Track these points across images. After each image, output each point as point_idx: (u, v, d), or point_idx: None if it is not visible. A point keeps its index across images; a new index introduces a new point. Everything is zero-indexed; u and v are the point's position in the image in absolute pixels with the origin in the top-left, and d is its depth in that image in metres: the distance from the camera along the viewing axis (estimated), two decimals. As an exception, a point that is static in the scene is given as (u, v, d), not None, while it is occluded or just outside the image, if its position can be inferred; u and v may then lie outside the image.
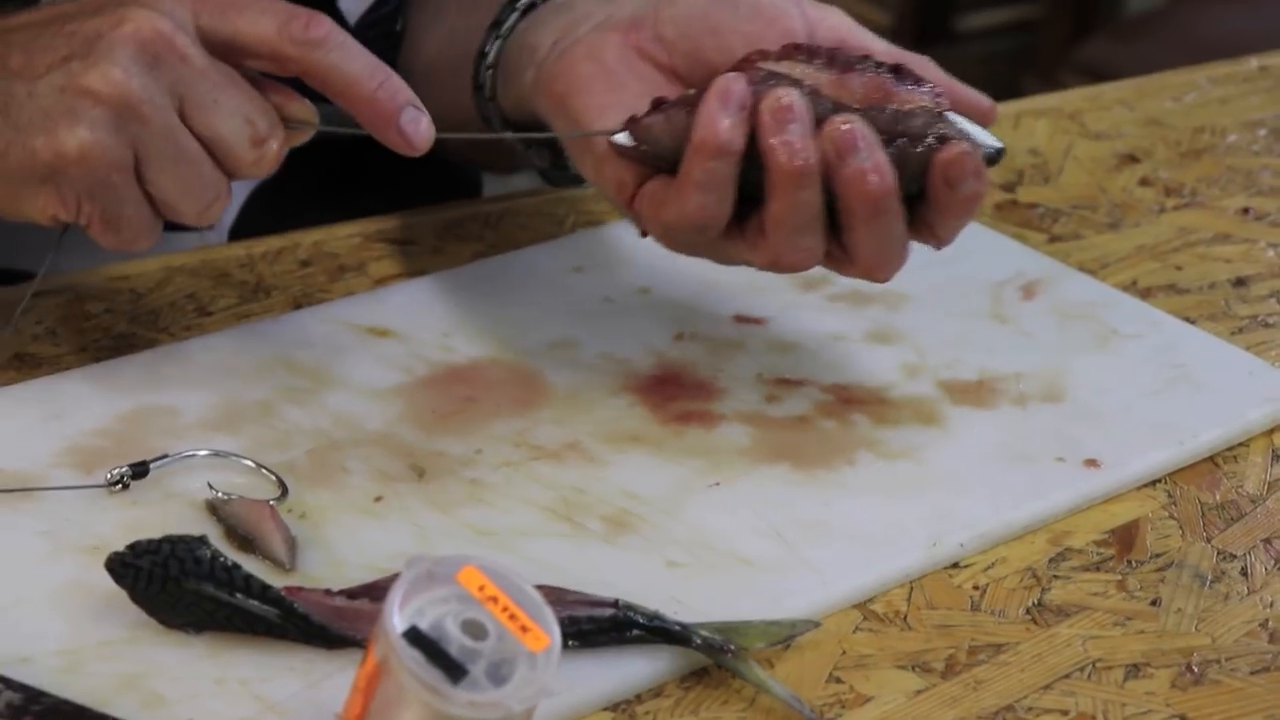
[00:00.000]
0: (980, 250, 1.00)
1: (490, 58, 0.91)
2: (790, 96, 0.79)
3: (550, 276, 0.97)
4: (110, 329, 0.91)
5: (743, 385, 0.90)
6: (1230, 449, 0.88)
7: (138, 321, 0.92)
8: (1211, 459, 0.88)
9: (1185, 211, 1.07)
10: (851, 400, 0.89)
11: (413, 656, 0.64)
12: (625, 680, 0.73)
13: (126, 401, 0.85)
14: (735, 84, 0.79)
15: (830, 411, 0.88)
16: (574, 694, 0.71)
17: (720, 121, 0.79)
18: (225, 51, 0.80)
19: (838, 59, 0.81)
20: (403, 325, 0.92)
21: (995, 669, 0.75)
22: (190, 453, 0.82)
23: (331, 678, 0.71)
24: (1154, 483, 0.86)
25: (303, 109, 0.82)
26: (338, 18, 1.03)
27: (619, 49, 0.84)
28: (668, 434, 0.86)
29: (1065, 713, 0.73)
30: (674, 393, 0.89)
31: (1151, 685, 0.75)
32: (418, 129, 0.81)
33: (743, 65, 0.81)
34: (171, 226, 0.98)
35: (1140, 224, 1.05)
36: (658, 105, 0.81)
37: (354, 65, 0.81)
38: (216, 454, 0.82)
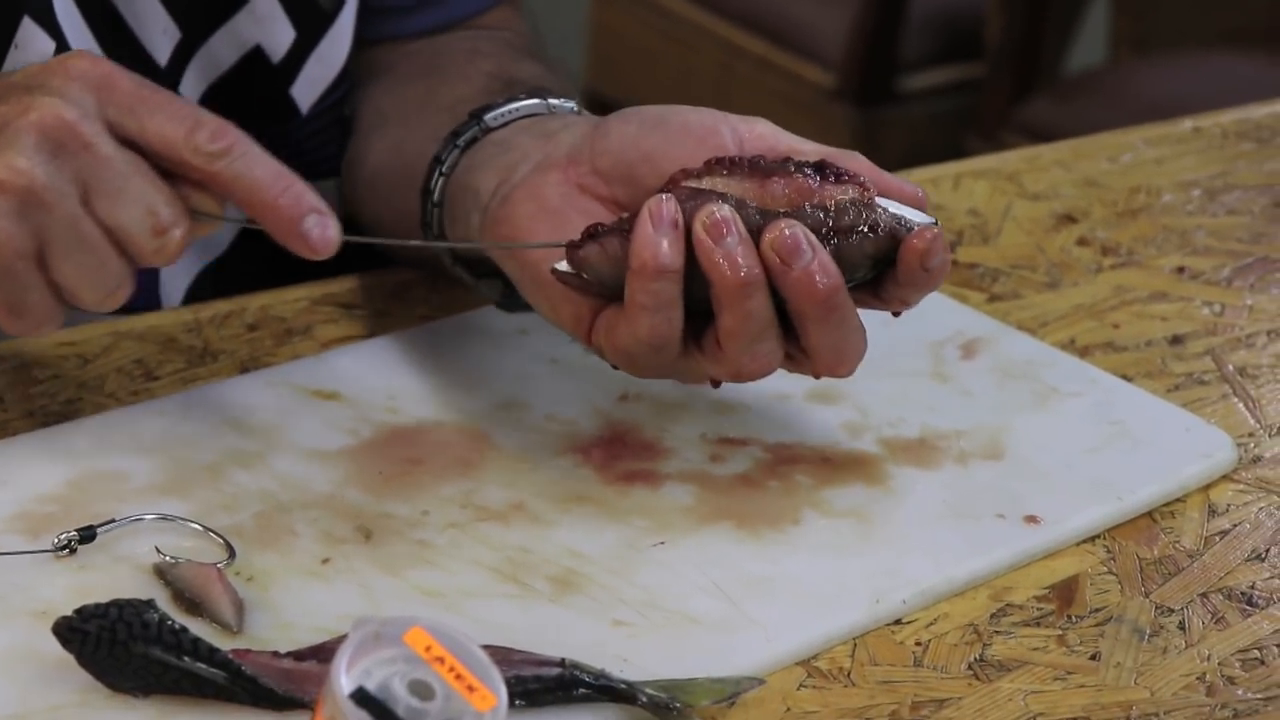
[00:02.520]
0: (920, 310, 1.00)
1: (435, 195, 0.92)
2: (721, 210, 0.80)
3: (496, 339, 0.97)
4: (57, 395, 0.92)
5: (687, 445, 0.90)
6: (1167, 505, 0.89)
7: (85, 387, 0.92)
8: (1149, 515, 0.89)
9: (1122, 270, 1.08)
10: (795, 459, 0.90)
11: (360, 717, 0.64)
12: (572, 739, 0.73)
13: (74, 467, 0.85)
14: (665, 204, 0.80)
15: (774, 471, 0.89)
16: (521, 753, 0.72)
17: (657, 243, 0.79)
18: (130, 147, 0.81)
19: (759, 167, 0.82)
20: (349, 388, 0.93)
21: (938, 724, 0.76)
22: (137, 517, 0.82)
23: (280, 740, 0.71)
24: (1093, 538, 0.87)
25: (209, 201, 0.82)
26: (290, 107, 1.03)
27: (559, 187, 0.84)
28: (613, 494, 0.87)
29: (1007, 767, 0.74)
30: (619, 453, 0.90)
31: (1092, 739, 0.76)
32: (323, 234, 0.81)
33: (668, 186, 0.82)
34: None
35: (1078, 283, 1.07)
36: (591, 232, 0.81)
37: (257, 173, 0.81)
38: (164, 518, 0.82)
